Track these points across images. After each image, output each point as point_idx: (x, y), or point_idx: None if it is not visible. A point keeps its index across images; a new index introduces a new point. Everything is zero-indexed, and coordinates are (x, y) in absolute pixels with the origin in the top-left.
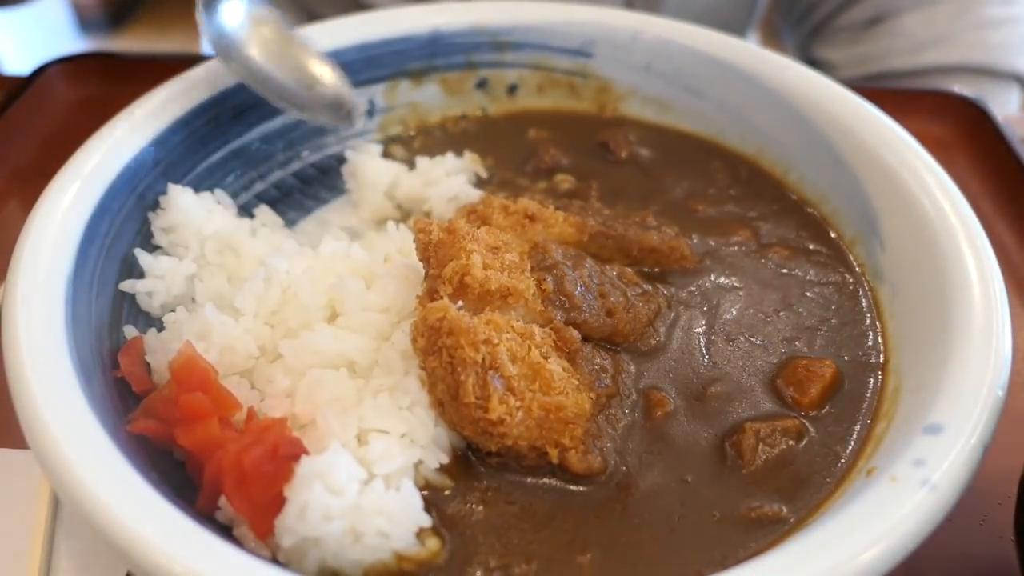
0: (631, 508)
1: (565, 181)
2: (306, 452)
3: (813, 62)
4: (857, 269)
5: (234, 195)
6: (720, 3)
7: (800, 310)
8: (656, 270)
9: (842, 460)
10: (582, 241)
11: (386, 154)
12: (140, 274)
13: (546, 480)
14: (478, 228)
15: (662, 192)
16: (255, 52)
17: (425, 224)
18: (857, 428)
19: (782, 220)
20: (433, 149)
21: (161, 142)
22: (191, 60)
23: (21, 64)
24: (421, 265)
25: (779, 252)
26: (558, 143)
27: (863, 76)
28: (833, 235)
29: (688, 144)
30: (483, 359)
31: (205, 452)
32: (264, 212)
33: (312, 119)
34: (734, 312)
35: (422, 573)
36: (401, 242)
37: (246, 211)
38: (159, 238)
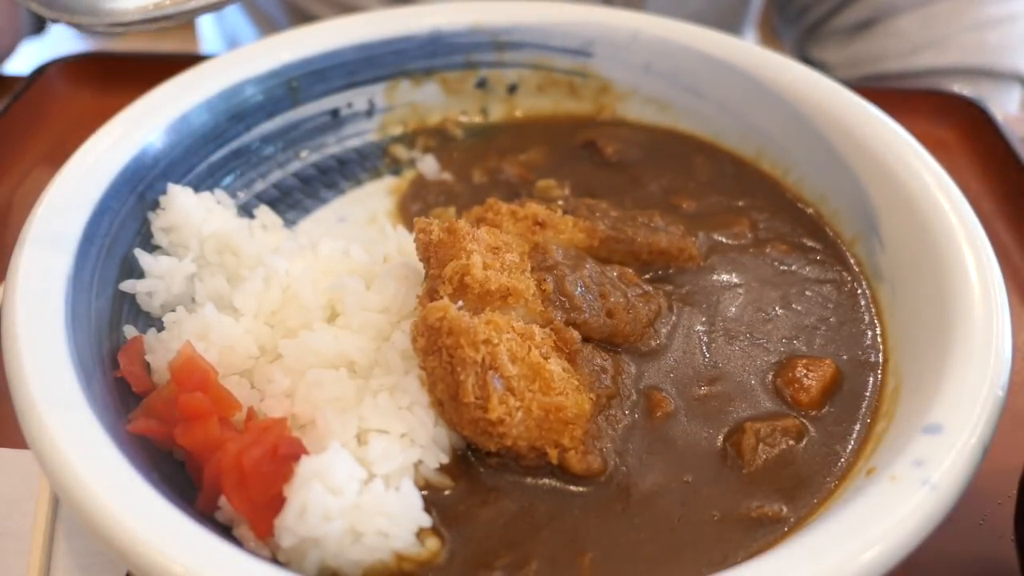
0: (631, 508)
1: (547, 184)
2: (306, 452)
3: (808, 63)
4: (856, 268)
5: (234, 195)
6: (708, 7)
7: (799, 309)
8: (670, 271)
9: (842, 460)
10: (592, 246)
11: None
12: (140, 274)
13: (546, 480)
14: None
15: (644, 189)
16: None
17: (425, 224)
18: (857, 428)
19: (779, 217)
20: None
21: (161, 142)
22: (191, 60)
23: (21, 64)
24: (421, 265)
25: (777, 247)
26: (544, 143)
27: (858, 78)
28: (831, 234)
29: (678, 143)
30: (483, 359)
31: (205, 452)
32: (264, 212)
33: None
34: (733, 311)
35: (422, 573)
36: (401, 242)
37: (246, 211)
38: (159, 238)
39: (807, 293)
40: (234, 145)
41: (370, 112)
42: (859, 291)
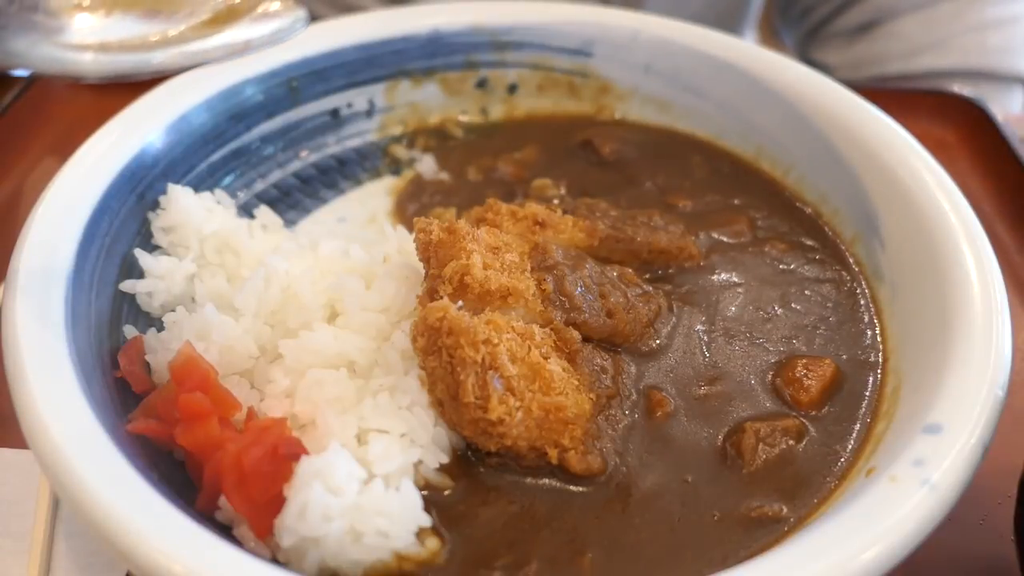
0: (631, 508)
1: (543, 183)
2: (306, 452)
3: (810, 65)
4: (856, 268)
5: (234, 195)
6: (707, 7)
7: (799, 308)
8: (670, 271)
9: (842, 460)
10: (592, 246)
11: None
12: (140, 274)
13: (546, 480)
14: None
15: (639, 188)
16: None
17: (425, 224)
18: (857, 428)
19: (777, 215)
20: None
21: (161, 142)
22: None
23: None
24: (421, 265)
25: (776, 246)
26: (540, 142)
27: (859, 79)
28: (831, 233)
29: (675, 142)
30: (483, 359)
31: (205, 452)
32: (264, 212)
33: None
34: (733, 310)
35: (422, 573)
36: (400, 242)
37: (246, 211)
38: (159, 238)
39: (806, 292)
40: (234, 145)
41: (370, 112)
42: (859, 291)
